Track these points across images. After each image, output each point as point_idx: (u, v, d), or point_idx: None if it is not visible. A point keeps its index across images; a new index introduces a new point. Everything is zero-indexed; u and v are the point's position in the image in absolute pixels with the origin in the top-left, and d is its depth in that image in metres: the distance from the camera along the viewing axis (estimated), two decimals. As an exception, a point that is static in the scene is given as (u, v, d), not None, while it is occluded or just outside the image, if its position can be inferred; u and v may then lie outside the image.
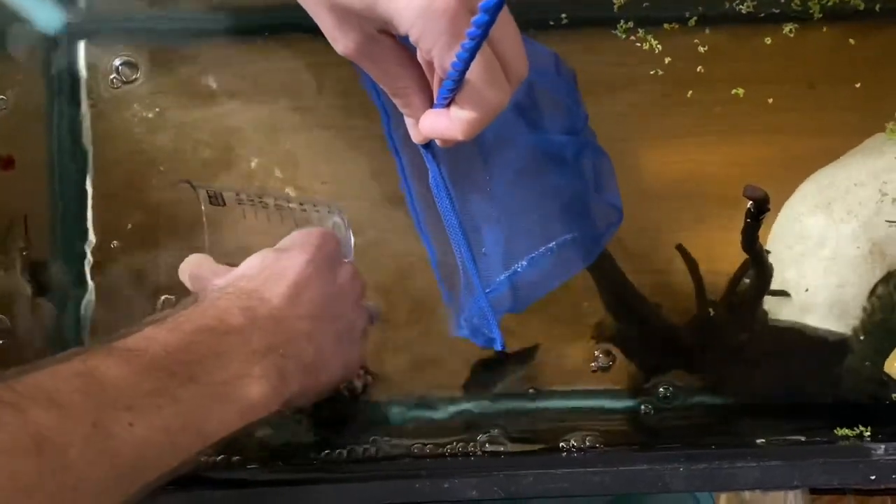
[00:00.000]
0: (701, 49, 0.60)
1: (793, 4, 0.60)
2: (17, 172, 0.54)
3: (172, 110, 0.60)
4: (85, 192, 0.59)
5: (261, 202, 0.52)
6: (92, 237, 0.58)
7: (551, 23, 0.61)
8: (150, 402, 0.35)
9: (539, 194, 0.52)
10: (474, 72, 0.34)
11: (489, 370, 0.58)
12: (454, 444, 0.55)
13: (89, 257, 0.58)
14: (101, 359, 0.35)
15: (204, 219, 0.47)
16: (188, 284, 0.47)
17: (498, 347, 0.49)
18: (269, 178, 0.59)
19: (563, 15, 0.60)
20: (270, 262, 0.45)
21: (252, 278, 0.44)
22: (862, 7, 0.60)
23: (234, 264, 0.47)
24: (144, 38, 0.61)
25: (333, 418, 0.56)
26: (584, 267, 0.54)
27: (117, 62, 0.60)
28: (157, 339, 0.38)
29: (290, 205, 0.54)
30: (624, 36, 0.60)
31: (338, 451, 0.54)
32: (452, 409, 0.57)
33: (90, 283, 0.58)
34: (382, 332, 0.58)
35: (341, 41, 0.38)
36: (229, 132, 0.60)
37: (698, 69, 0.60)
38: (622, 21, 0.60)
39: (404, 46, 0.38)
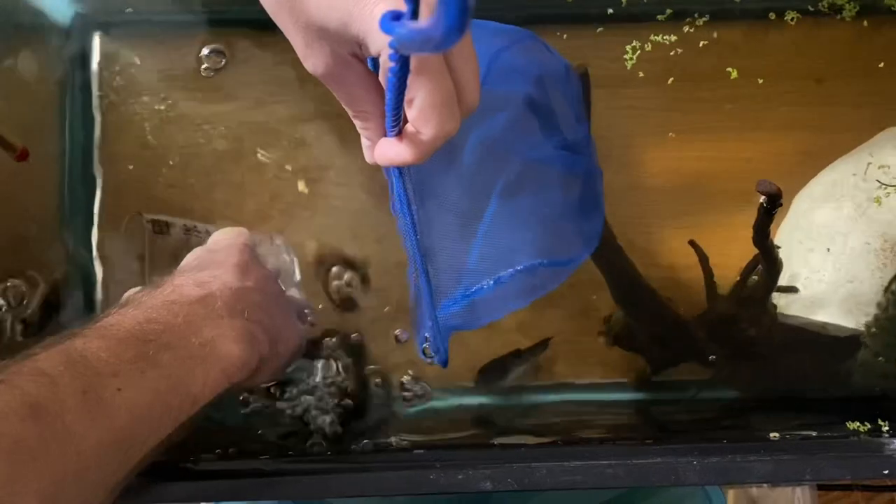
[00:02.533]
0: (712, 45, 0.60)
1: (821, 5, 0.60)
2: (30, 164, 0.54)
3: (184, 103, 0.60)
4: (94, 183, 0.59)
5: (206, 232, 0.54)
6: (97, 229, 0.59)
7: (561, 17, 0.61)
8: (132, 368, 0.36)
9: (522, 213, 0.52)
10: (429, 97, 0.34)
11: (500, 364, 0.58)
12: (466, 436, 0.55)
13: (95, 249, 0.58)
14: (77, 338, 0.37)
15: (146, 249, 0.48)
16: None
17: (439, 363, 0.49)
18: (280, 172, 0.59)
19: (573, 10, 0.60)
20: (206, 253, 0.47)
21: (196, 267, 0.46)
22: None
23: None
24: (160, 31, 0.61)
25: (348, 410, 0.57)
26: (547, 293, 0.53)
27: (130, 54, 0.60)
28: (126, 315, 0.39)
29: None
30: (635, 31, 0.60)
31: (352, 442, 0.54)
32: (464, 401, 0.58)
33: (99, 273, 0.58)
34: (394, 325, 0.58)
35: (311, 60, 0.38)
36: (241, 125, 0.60)
37: (709, 65, 0.60)
38: (632, 16, 0.60)
39: (371, 72, 0.39)
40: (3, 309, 0.55)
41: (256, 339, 0.42)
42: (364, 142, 0.42)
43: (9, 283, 0.56)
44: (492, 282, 0.49)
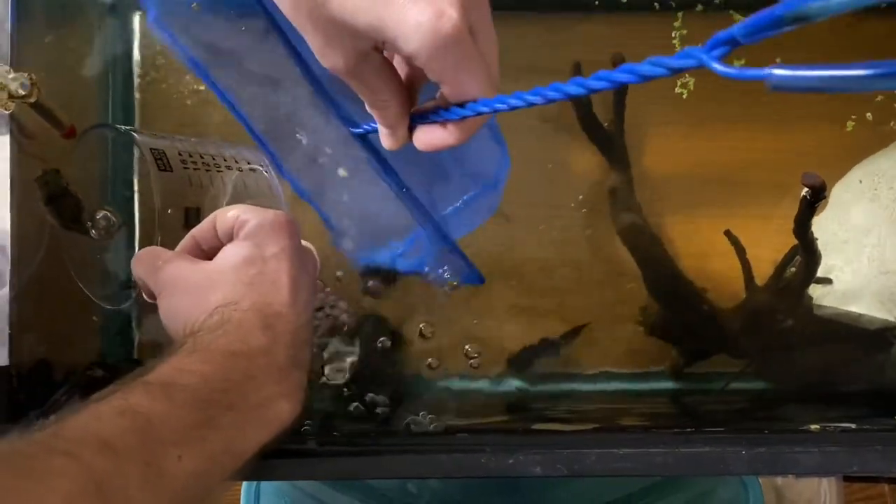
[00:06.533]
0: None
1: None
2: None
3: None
4: (133, 160, 0.59)
5: (202, 161, 0.51)
6: (138, 205, 0.59)
7: (597, 4, 0.60)
8: (195, 434, 0.36)
9: (441, 167, 0.55)
10: (483, 82, 0.35)
11: (534, 350, 0.59)
12: (505, 420, 0.55)
13: (137, 219, 0.58)
14: (142, 396, 0.36)
15: (153, 187, 0.47)
16: (146, 279, 0.45)
17: (474, 282, 0.51)
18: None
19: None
20: (259, 262, 0.44)
21: (254, 286, 0.43)
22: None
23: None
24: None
25: (388, 391, 0.57)
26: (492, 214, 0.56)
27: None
28: (193, 371, 0.38)
29: (226, 162, 0.54)
30: (675, 20, 0.60)
31: (392, 425, 0.55)
32: (499, 387, 0.58)
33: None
34: (427, 312, 0.58)
35: (330, 59, 0.37)
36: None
37: (748, 54, 0.60)
38: (674, 4, 0.60)
39: (388, 61, 0.39)
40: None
41: (303, 389, 0.43)
42: (383, 129, 0.41)
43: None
44: (449, 209, 0.54)
